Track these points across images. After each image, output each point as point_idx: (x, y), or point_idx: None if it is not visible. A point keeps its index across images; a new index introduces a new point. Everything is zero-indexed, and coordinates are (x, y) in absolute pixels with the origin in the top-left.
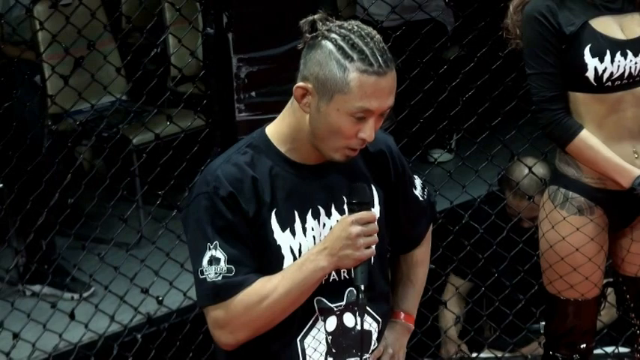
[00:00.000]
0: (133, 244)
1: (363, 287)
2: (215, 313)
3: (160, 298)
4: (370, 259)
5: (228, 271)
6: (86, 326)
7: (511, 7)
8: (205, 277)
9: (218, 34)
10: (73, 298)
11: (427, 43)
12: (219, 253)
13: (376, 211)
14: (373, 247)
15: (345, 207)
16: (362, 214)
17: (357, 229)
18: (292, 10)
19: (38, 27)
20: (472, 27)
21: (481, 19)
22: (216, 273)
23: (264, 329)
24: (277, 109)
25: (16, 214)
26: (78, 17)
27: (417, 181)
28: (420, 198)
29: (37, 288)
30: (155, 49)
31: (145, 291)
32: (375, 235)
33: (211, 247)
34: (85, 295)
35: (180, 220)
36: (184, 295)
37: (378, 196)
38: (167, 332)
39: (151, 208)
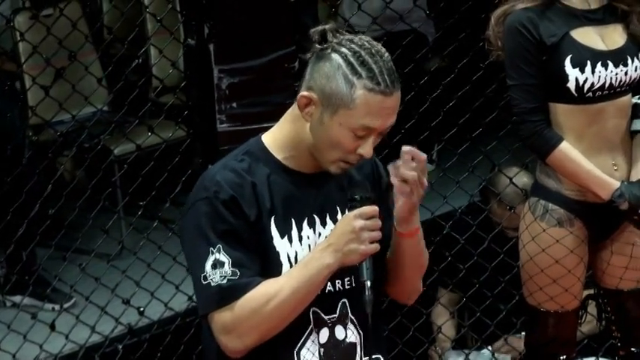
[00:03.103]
0: (114, 255)
1: (369, 283)
2: (221, 318)
3: (142, 309)
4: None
5: (233, 274)
6: (67, 337)
7: (493, 19)
8: (209, 282)
9: (199, 45)
10: (53, 308)
11: (408, 54)
12: (223, 257)
13: None
14: (377, 243)
15: (339, 216)
16: (365, 209)
17: (360, 222)
18: (273, 21)
19: (19, 38)
20: (453, 38)
21: (462, 30)
22: (221, 276)
23: (272, 333)
24: (258, 119)
25: None
26: (59, 28)
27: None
28: None
29: (17, 299)
30: (136, 60)
31: (126, 302)
32: (379, 230)
33: (214, 251)
34: (65, 305)
35: (161, 230)
36: (165, 306)
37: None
38: (148, 343)
39: (132, 218)
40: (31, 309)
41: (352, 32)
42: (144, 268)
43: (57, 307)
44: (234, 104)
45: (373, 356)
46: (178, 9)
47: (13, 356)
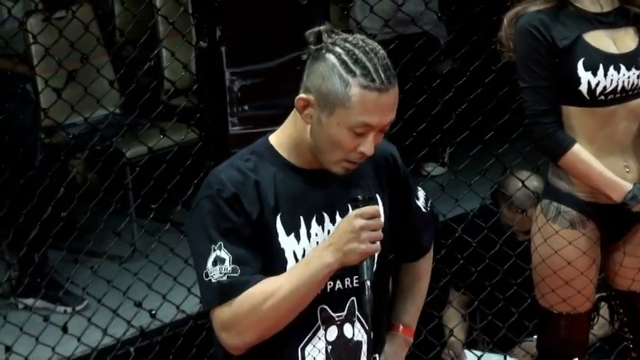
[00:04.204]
0: (127, 258)
1: (369, 283)
2: (221, 315)
3: (153, 312)
4: (374, 256)
5: (233, 270)
6: (79, 340)
7: (505, 20)
8: (210, 279)
9: (211, 48)
10: (65, 311)
11: (420, 57)
12: (223, 254)
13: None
14: (378, 243)
15: (350, 210)
16: (366, 209)
17: (360, 222)
18: (285, 24)
19: (31, 40)
20: (465, 41)
21: (474, 32)
22: (221, 273)
23: (272, 331)
24: (270, 122)
25: (8, 228)
26: (71, 30)
27: (421, 193)
28: (423, 209)
29: (29, 301)
30: (148, 63)
31: (138, 304)
32: (380, 231)
33: (216, 248)
34: (78, 308)
35: (173, 233)
36: (177, 308)
37: (383, 205)
38: (160, 346)
39: (144, 221)
40: (44, 311)
41: (364, 35)
42: (155, 270)
43: (69, 309)
44: (246, 107)
45: (372, 356)
46: (190, 11)
47: (26, 358)
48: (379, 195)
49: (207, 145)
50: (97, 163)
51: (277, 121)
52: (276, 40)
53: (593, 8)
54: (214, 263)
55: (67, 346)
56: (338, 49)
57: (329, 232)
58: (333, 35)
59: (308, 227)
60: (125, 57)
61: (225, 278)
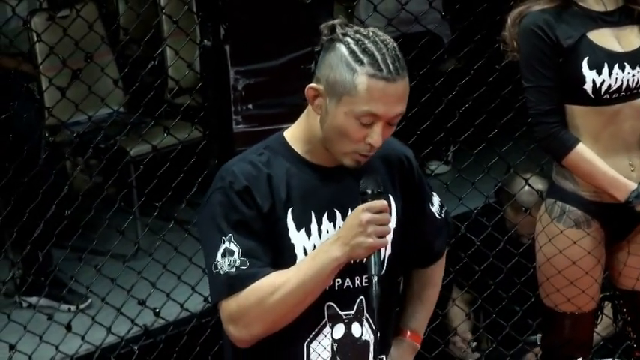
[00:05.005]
0: (130, 256)
1: (376, 278)
2: (228, 307)
3: (157, 310)
4: (382, 250)
5: (242, 263)
6: (83, 338)
7: (509, 20)
8: (219, 270)
9: (215, 46)
10: (69, 309)
11: (423, 56)
12: (233, 246)
13: (392, 221)
14: (387, 237)
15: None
16: (373, 203)
17: (367, 215)
18: (289, 23)
19: (36, 39)
20: (468, 40)
21: (477, 31)
22: (229, 265)
23: (279, 324)
24: (274, 120)
25: (12, 226)
26: (75, 29)
27: (435, 199)
28: (437, 216)
29: (33, 299)
30: (152, 61)
31: (142, 302)
32: (389, 225)
33: (225, 239)
34: (81, 306)
35: (177, 231)
36: (181, 306)
37: (396, 207)
38: (164, 344)
39: (148, 219)
40: (47, 310)
41: None
42: (159, 268)
43: (73, 307)
44: (250, 105)
45: (378, 356)
46: (194, 10)
47: (30, 357)
48: (390, 194)
49: (211, 144)
50: (100, 162)
51: (281, 119)
52: (280, 38)
53: (597, 7)
54: (223, 255)
55: (71, 344)
56: (348, 39)
57: (340, 229)
58: (346, 28)
59: (319, 223)
60: (129, 56)
61: (233, 270)
